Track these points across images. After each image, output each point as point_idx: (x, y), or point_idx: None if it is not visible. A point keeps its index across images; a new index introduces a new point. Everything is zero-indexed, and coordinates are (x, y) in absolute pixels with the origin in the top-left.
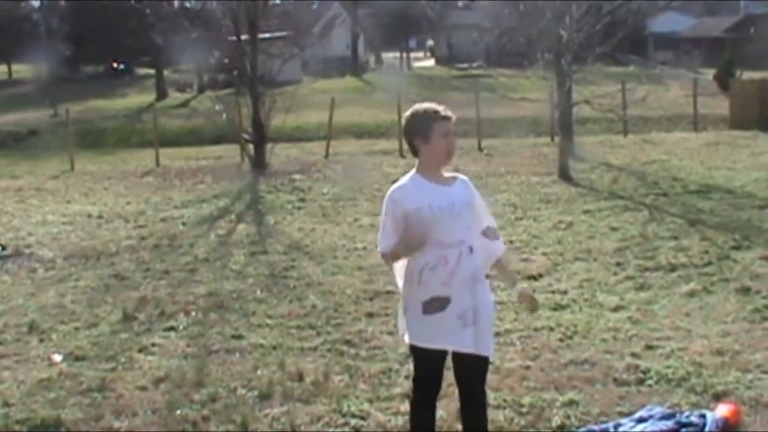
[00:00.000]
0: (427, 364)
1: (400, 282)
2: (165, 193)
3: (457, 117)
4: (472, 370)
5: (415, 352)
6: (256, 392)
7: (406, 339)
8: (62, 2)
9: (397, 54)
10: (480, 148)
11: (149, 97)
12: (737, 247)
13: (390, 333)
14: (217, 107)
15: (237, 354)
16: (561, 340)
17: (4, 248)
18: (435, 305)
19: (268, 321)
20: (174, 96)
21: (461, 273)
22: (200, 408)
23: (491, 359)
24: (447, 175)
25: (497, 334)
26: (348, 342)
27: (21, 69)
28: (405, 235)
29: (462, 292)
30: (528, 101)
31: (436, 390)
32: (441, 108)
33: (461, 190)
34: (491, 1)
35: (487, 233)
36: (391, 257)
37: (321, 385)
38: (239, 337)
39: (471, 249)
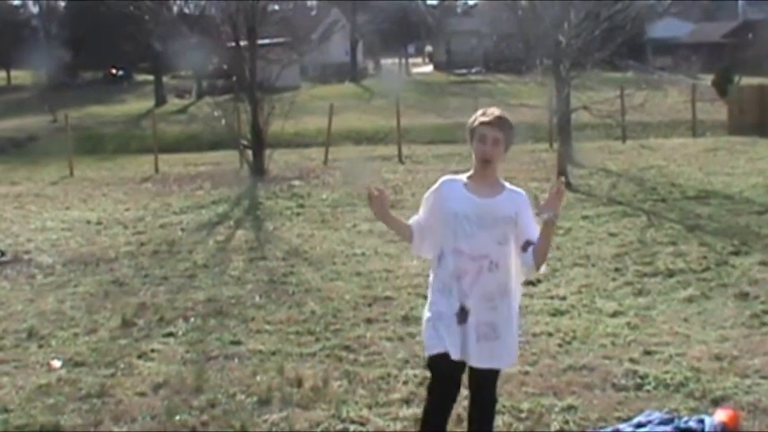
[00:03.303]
0: (445, 378)
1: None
2: (164, 199)
3: (455, 123)
4: (482, 379)
5: (434, 365)
6: (255, 398)
7: (427, 351)
8: (61, 8)
9: (396, 60)
10: None
11: (148, 103)
12: (736, 253)
13: (389, 339)
14: (216, 113)
15: (236, 359)
16: (560, 346)
17: (3, 254)
18: (461, 316)
19: (267, 327)
20: (173, 102)
21: (482, 287)
22: (199, 413)
23: (511, 367)
24: (496, 185)
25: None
26: (347, 348)
27: (20, 75)
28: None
29: (481, 307)
30: (526, 107)
31: (453, 398)
32: (486, 112)
33: (503, 203)
34: (490, 6)
35: (524, 246)
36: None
37: (320, 391)
38: (238, 343)
39: (497, 265)
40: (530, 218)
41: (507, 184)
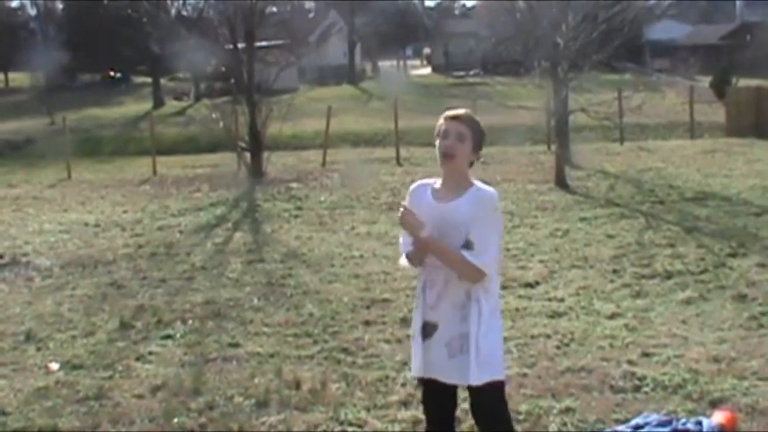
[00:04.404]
0: (431, 396)
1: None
2: (162, 201)
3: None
4: (477, 402)
5: (421, 384)
6: (253, 400)
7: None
8: (59, 10)
9: (394, 62)
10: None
11: (146, 105)
12: (734, 255)
13: (387, 341)
14: (213, 115)
15: (234, 362)
16: (558, 348)
17: (1, 257)
18: (428, 331)
19: (265, 329)
20: (171, 105)
21: (450, 296)
22: (198, 416)
23: (498, 382)
24: (463, 186)
25: None
26: (345, 350)
27: (18, 77)
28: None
29: (451, 317)
30: (524, 109)
31: (448, 414)
32: (454, 110)
33: (462, 206)
34: (488, 8)
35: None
36: (412, 257)
37: (318, 393)
38: (236, 346)
39: None
40: (482, 220)
41: (479, 184)
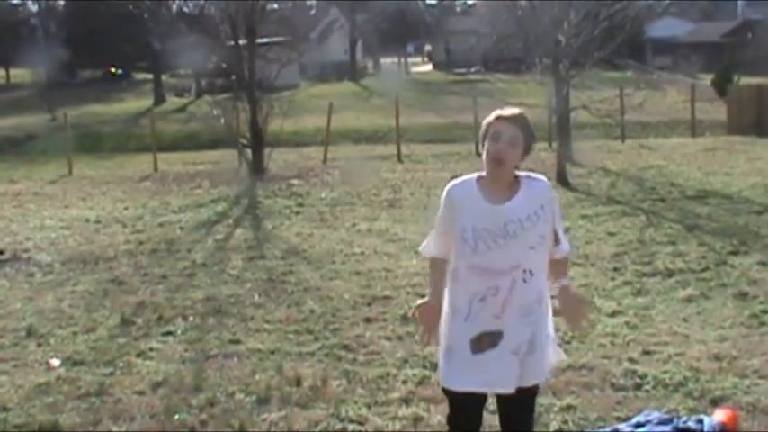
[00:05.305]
0: (466, 413)
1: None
2: (163, 197)
3: (454, 122)
4: (520, 405)
5: (453, 397)
6: (254, 397)
7: (442, 383)
8: (60, 6)
9: (395, 59)
10: (478, 153)
11: (147, 102)
12: (735, 253)
13: (388, 338)
14: (215, 112)
15: (235, 358)
16: (559, 345)
17: (2, 253)
18: (486, 341)
19: (266, 326)
20: (172, 101)
21: (516, 302)
22: (198, 412)
23: (542, 382)
24: (512, 183)
25: None
26: (346, 347)
27: (19, 74)
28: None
29: (517, 323)
30: (525, 106)
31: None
32: (506, 109)
33: (523, 202)
34: (489, 5)
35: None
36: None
37: (319, 390)
38: (237, 342)
39: (531, 272)
40: (555, 207)
41: (520, 174)
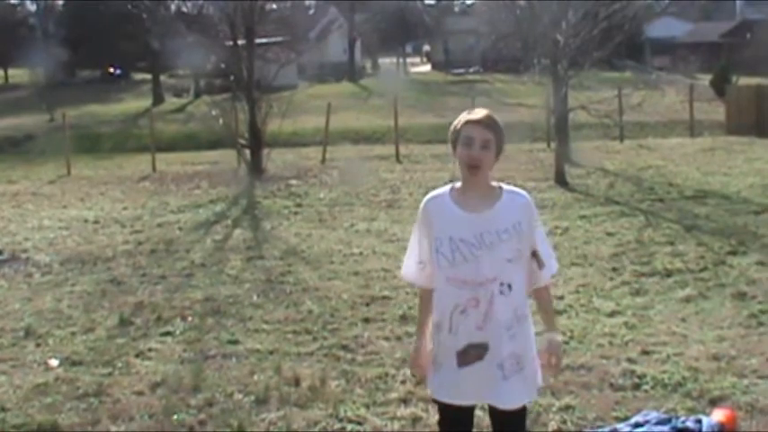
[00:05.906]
0: (456, 423)
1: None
2: (162, 198)
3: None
4: (509, 421)
5: (443, 409)
6: (253, 397)
7: (431, 394)
8: (59, 6)
9: (394, 59)
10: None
11: (146, 102)
12: (733, 253)
13: (387, 338)
14: (213, 112)
15: (234, 359)
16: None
17: (0, 253)
18: (472, 354)
19: (264, 326)
20: (171, 101)
21: (497, 315)
22: (197, 412)
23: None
24: (491, 192)
25: None
26: (344, 347)
27: (17, 74)
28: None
29: (501, 336)
30: (524, 106)
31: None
32: (472, 112)
33: (502, 213)
34: (488, 5)
35: (535, 258)
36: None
37: (317, 390)
38: (236, 342)
39: (509, 287)
40: (534, 225)
41: (504, 186)
